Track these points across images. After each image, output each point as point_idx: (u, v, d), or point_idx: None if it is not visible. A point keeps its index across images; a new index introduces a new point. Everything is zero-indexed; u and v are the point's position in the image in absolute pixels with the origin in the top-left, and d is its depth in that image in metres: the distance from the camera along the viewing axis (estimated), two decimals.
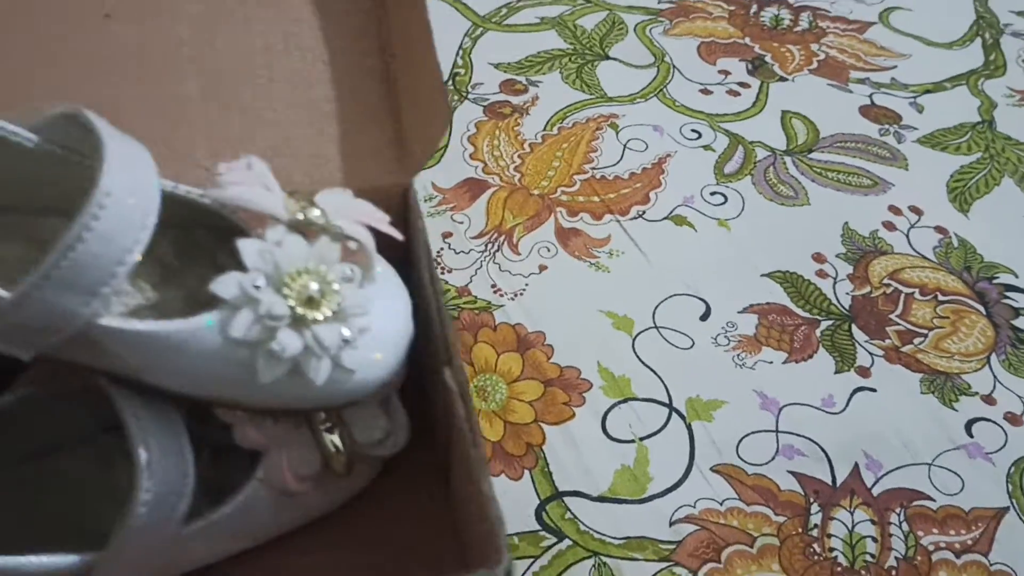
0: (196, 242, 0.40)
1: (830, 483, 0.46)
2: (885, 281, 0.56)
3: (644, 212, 0.59)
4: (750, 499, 0.45)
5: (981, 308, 0.54)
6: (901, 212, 0.60)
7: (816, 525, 0.44)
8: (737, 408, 0.49)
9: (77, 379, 0.37)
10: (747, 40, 0.73)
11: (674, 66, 0.70)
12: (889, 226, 0.59)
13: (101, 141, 0.32)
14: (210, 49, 0.46)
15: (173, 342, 0.33)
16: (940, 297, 0.55)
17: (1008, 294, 0.55)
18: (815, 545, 0.44)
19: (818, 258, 0.57)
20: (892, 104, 0.68)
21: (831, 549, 0.43)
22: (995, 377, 0.51)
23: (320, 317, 0.34)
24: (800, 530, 0.44)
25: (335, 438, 0.39)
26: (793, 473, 0.46)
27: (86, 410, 0.40)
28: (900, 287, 0.55)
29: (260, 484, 0.38)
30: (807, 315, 0.54)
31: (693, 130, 0.65)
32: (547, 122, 0.65)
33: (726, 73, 0.70)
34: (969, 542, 0.44)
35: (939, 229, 0.59)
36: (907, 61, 0.72)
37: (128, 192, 0.31)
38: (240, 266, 0.34)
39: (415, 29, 0.44)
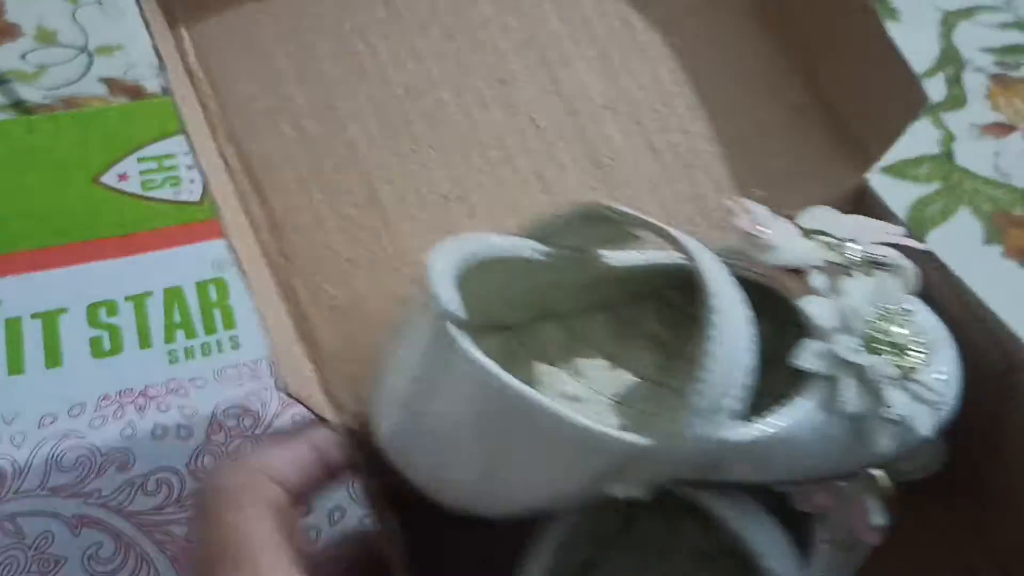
0: (672, 306, 0.36)
1: None
2: None
3: None
4: None
5: None
6: None
7: None
8: None
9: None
10: None
11: None
12: None
13: (681, 242, 0.30)
14: (618, 88, 0.42)
15: (781, 436, 0.29)
16: None
17: None
18: None
19: None
20: None
21: None
22: None
23: (916, 364, 0.31)
24: None
25: (883, 472, 0.34)
26: None
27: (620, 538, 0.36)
28: None
29: (828, 546, 0.34)
30: None
31: None
32: None
33: None
34: None
35: None
36: None
37: (726, 288, 0.28)
38: (776, 325, 0.31)
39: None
